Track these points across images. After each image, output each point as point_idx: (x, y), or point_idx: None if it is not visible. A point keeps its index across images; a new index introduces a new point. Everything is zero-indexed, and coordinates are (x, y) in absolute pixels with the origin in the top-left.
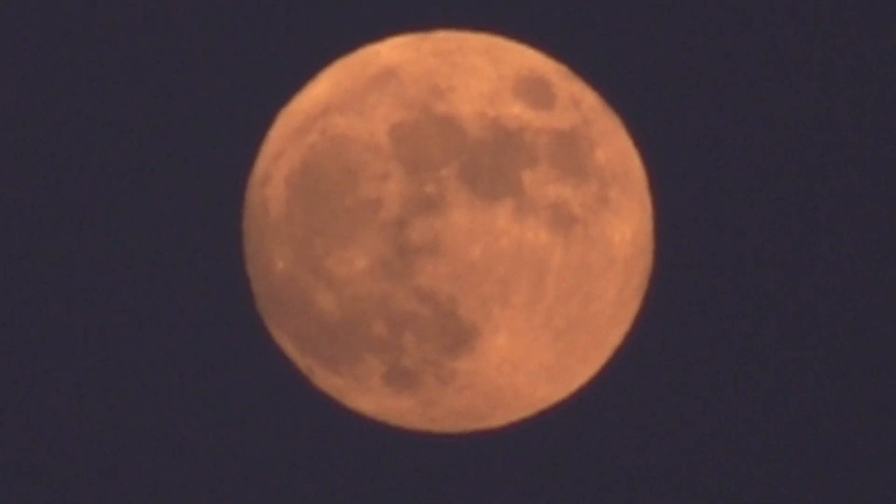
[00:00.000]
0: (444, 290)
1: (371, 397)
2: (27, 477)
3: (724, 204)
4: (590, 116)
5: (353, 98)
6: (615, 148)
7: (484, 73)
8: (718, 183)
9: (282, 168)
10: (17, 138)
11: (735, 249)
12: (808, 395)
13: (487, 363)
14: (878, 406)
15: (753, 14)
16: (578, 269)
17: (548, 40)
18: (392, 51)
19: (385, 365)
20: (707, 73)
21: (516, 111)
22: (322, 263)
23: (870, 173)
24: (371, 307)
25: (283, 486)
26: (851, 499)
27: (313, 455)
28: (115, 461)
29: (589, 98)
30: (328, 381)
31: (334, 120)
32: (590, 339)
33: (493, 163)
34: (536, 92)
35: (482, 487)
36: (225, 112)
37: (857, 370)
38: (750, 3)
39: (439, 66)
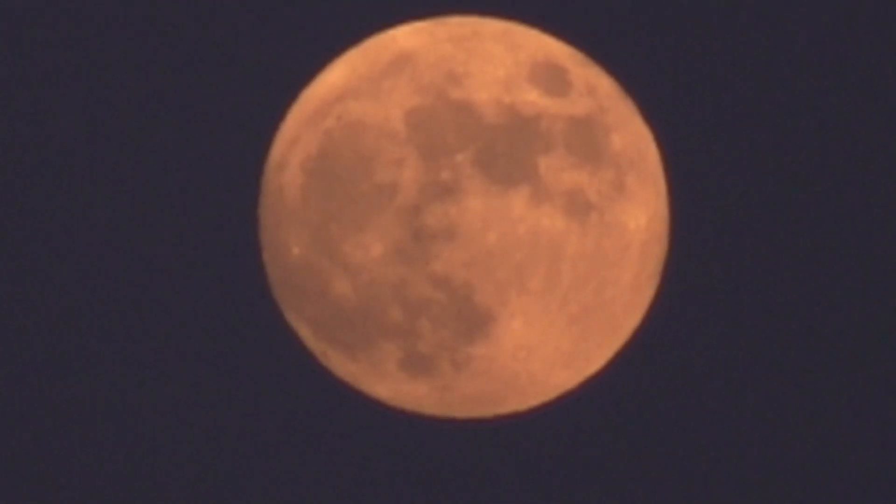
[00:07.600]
0: (459, 275)
1: (387, 383)
2: (40, 453)
3: (739, 190)
4: (605, 103)
5: (369, 84)
6: (631, 134)
7: (499, 59)
8: (733, 169)
9: (298, 154)
10: (38, 126)
11: (750, 235)
12: (818, 384)
13: (503, 349)
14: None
15: (768, 1)
16: (594, 256)
17: (563, 26)
18: (408, 36)
19: (401, 350)
20: (722, 59)
21: (532, 97)
22: (338, 249)
23: (885, 160)
24: (387, 293)
25: (298, 471)
26: (859, 494)
27: (329, 441)
28: (130, 446)
29: (604, 84)
30: (344, 366)
31: (350, 106)
32: (605, 324)
33: (508, 149)
34: (552, 78)
35: (498, 473)
36: (241, 98)
37: (871, 347)
38: None
39: (455, 52)
